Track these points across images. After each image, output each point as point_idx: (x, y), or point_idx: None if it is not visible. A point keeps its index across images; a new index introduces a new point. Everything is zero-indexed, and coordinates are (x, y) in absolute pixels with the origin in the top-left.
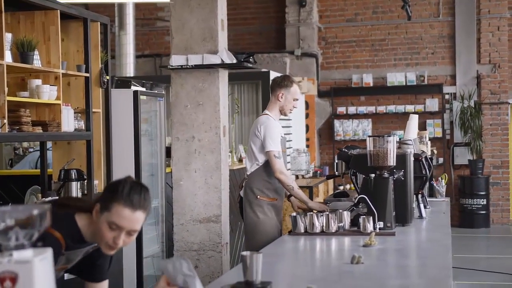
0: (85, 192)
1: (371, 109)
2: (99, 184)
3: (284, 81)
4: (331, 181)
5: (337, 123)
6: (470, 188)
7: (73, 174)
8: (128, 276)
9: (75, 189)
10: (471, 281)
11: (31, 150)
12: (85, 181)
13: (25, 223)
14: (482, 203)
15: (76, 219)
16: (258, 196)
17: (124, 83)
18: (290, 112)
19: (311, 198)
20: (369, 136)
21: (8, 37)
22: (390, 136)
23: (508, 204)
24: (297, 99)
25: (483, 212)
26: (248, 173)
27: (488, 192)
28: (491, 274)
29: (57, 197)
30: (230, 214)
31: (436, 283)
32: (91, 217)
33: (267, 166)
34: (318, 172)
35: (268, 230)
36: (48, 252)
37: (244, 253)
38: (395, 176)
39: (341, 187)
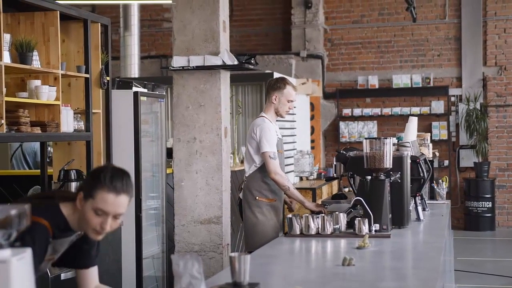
0: None
1: (377, 111)
2: None
3: (277, 83)
4: (335, 183)
5: (342, 125)
6: (476, 190)
7: (73, 174)
8: (127, 277)
9: (74, 190)
10: (475, 284)
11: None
12: None
13: (3, 223)
14: (487, 206)
15: (61, 208)
16: (257, 197)
17: (126, 84)
18: (287, 114)
19: (314, 200)
20: (366, 138)
21: (6, 37)
22: (386, 138)
23: None
24: (291, 101)
25: (489, 215)
26: (246, 175)
27: (494, 194)
28: (495, 277)
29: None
30: (232, 215)
31: (423, 285)
32: (75, 205)
33: (265, 167)
34: (323, 174)
35: (268, 231)
36: (27, 252)
37: (232, 254)
38: (392, 178)
39: (346, 189)
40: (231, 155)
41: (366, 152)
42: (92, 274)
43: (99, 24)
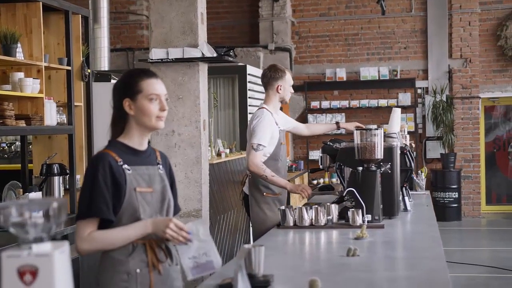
0: (67, 187)
1: (345, 103)
2: (81, 179)
3: (278, 73)
4: (305, 175)
5: (310, 117)
6: (442, 181)
7: (55, 168)
8: None
9: (57, 184)
10: None
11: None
12: (68, 175)
13: (44, 216)
14: (454, 197)
15: (118, 140)
16: (264, 193)
17: (104, 76)
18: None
19: (288, 194)
20: (357, 129)
21: None
22: (377, 129)
23: (479, 197)
24: (292, 84)
25: (455, 205)
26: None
27: (460, 185)
28: (463, 266)
29: None
30: (210, 208)
31: (435, 274)
32: (127, 126)
33: (269, 161)
34: (294, 166)
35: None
36: (66, 246)
37: (247, 246)
38: (382, 169)
39: (315, 182)
40: (208, 148)
41: (357, 143)
42: None
43: (80, 15)
